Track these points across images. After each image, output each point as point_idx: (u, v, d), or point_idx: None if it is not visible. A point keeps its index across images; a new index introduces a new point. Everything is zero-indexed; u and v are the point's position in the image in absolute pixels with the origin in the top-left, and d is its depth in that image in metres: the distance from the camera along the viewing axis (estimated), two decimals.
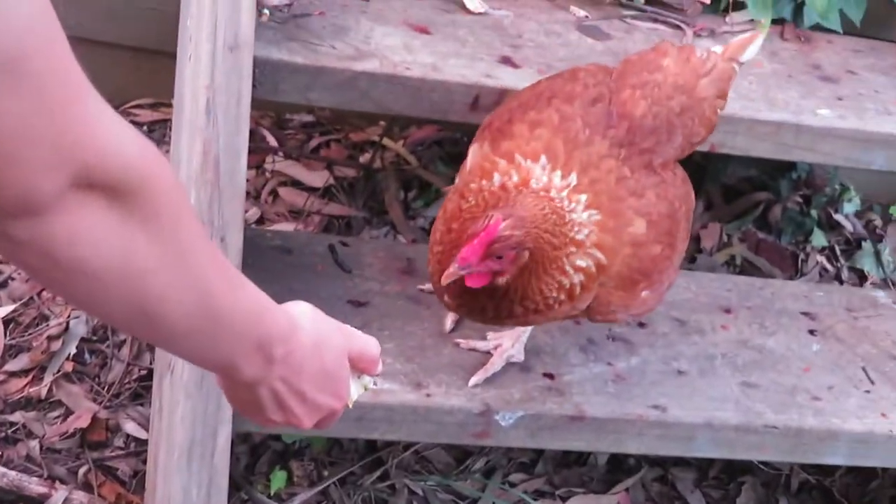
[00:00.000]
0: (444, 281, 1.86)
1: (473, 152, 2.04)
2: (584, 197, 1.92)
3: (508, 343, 2.20)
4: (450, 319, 2.24)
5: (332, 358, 1.36)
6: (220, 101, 2.05)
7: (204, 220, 2.00)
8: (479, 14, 2.50)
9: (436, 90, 2.24)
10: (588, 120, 1.99)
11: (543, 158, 1.94)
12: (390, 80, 2.23)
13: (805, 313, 2.56)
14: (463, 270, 1.84)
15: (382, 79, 2.23)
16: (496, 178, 1.93)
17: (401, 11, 2.44)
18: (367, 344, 1.45)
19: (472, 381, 2.14)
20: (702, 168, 3.10)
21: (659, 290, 2.05)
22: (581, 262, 1.91)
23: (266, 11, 2.29)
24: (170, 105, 2.98)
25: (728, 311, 2.51)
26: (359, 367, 1.44)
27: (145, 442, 2.37)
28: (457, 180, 2.06)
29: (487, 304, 1.95)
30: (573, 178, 1.93)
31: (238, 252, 2.02)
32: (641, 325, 2.40)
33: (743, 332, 2.46)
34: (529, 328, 2.20)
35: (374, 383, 1.49)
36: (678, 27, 2.65)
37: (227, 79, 2.06)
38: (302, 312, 1.34)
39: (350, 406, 1.45)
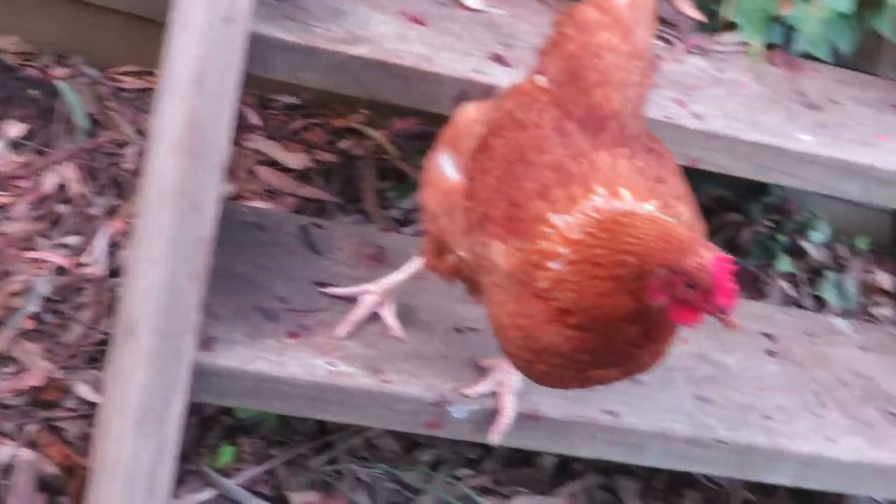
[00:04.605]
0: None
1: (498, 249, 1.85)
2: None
3: (509, 378, 2.15)
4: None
5: None
6: (210, 71, 2.05)
7: (179, 189, 2.00)
8: (476, 10, 2.52)
9: (425, 81, 2.25)
10: (571, 151, 1.85)
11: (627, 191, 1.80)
12: (381, 67, 2.24)
13: (765, 334, 2.59)
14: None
15: (374, 64, 2.24)
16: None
17: (398, 1, 2.45)
18: None
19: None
20: None
21: None
22: None
23: None
24: (155, 74, 2.99)
25: None
26: None
27: (96, 405, 2.37)
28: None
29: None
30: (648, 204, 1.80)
31: (211, 222, 2.02)
32: None
33: (703, 346, 2.49)
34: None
35: None
36: (668, 42, 2.67)
37: (219, 50, 2.06)
38: None
39: None
